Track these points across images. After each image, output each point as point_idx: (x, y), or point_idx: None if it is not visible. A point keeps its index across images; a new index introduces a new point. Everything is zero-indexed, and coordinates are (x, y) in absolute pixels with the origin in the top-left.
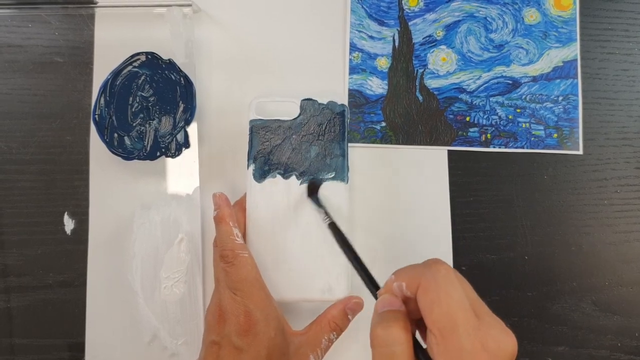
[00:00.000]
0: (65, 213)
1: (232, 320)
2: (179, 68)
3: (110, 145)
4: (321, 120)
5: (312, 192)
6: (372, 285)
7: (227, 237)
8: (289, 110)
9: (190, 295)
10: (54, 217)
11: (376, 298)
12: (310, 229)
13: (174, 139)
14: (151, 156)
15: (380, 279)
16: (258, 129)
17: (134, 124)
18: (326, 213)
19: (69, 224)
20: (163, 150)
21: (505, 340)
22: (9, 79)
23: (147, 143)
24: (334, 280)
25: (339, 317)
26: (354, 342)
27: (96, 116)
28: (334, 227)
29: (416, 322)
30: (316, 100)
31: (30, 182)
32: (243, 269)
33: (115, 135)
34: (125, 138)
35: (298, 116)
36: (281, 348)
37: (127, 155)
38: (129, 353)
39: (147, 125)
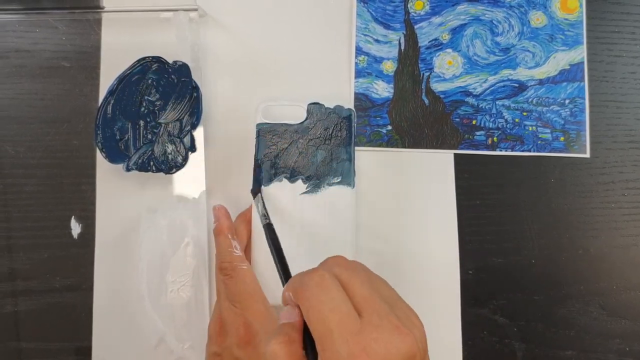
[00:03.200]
0: (72, 217)
1: (232, 332)
2: (190, 72)
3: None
4: (328, 124)
5: (257, 192)
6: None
7: (225, 250)
8: (295, 114)
9: (197, 299)
10: (61, 221)
11: None
12: (315, 233)
13: (181, 143)
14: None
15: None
16: (265, 132)
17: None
18: (266, 214)
19: (75, 228)
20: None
21: (393, 341)
22: (16, 84)
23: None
24: None
25: None
26: None
27: (99, 139)
28: (269, 228)
29: None
30: (323, 105)
31: (37, 186)
32: (241, 282)
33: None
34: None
35: (305, 120)
36: None
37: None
38: (135, 357)
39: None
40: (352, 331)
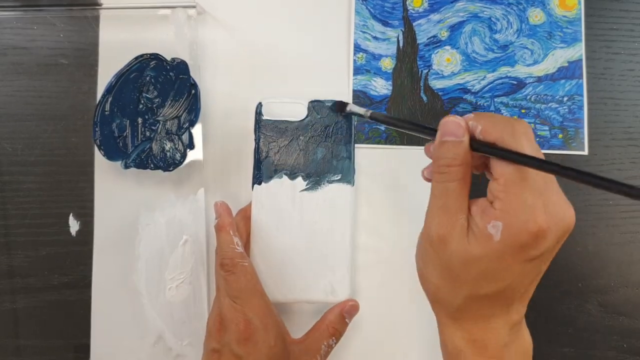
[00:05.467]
0: (71, 214)
1: (231, 329)
2: (188, 69)
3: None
4: (328, 122)
5: (342, 109)
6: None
7: (227, 246)
8: (295, 111)
9: (195, 297)
10: (59, 219)
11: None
12: (314, 230)
13: (179, 140)
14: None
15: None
16: (265, 129)
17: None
18: (365, 110)
19: (74, 226)
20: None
21: (565, 209)
22: (14, 81)
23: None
24: (337, 281)
25: (337, 322)
26: (351, 346)
27: (97, 137)
28: (377, 115)
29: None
30: (324, 102)
31: (35, 184)
32: (242, 278)
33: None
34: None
35: (305, 117)
36: (281, 356)
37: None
38: (133, 354)
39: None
40: (541, 187)
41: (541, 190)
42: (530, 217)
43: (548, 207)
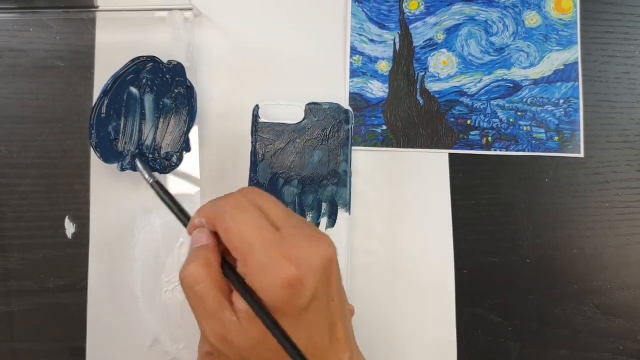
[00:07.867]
0: (67, 217)
1: None
2: (184, 71)
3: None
4: (325, 124)
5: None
6: (188, 220)
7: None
8: (292, 114)
9: None
10: (55, 222)
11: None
12: None
13: None
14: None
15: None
16: (262, 132)
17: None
18: (150, 174)
19: (70, 228)
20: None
21: (312, 246)
22: (10, 84)
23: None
24: None
25: None
26: None
27: (93, 137)
28: (158, 185)
29: None
30: (321, 105)
31: (31, 187)
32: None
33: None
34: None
35: (303, 120)
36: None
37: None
38: (129, 357)
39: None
40: (272, 241)
41: (274, 242)
42: (273, 272)
43: (289, 253)
